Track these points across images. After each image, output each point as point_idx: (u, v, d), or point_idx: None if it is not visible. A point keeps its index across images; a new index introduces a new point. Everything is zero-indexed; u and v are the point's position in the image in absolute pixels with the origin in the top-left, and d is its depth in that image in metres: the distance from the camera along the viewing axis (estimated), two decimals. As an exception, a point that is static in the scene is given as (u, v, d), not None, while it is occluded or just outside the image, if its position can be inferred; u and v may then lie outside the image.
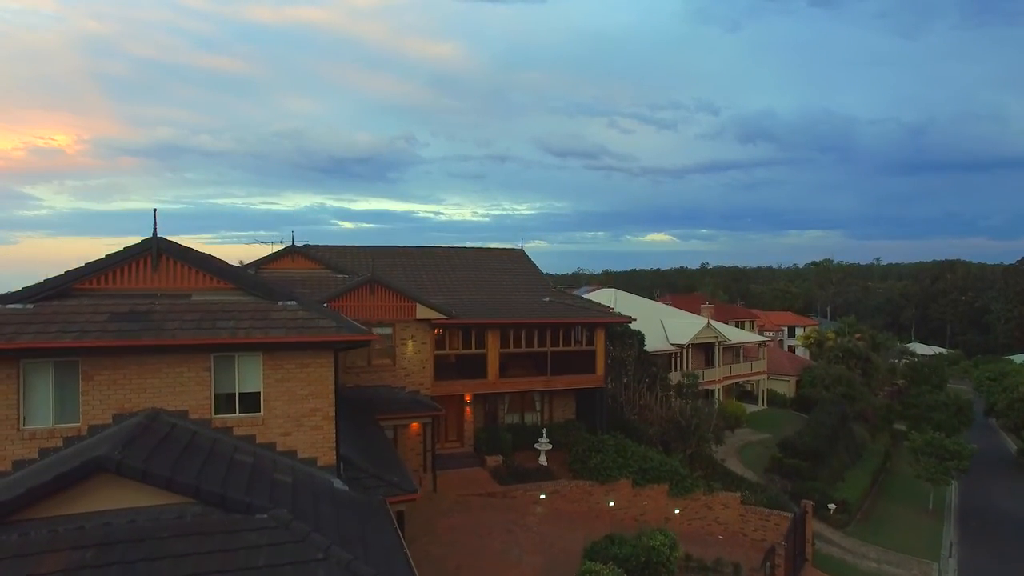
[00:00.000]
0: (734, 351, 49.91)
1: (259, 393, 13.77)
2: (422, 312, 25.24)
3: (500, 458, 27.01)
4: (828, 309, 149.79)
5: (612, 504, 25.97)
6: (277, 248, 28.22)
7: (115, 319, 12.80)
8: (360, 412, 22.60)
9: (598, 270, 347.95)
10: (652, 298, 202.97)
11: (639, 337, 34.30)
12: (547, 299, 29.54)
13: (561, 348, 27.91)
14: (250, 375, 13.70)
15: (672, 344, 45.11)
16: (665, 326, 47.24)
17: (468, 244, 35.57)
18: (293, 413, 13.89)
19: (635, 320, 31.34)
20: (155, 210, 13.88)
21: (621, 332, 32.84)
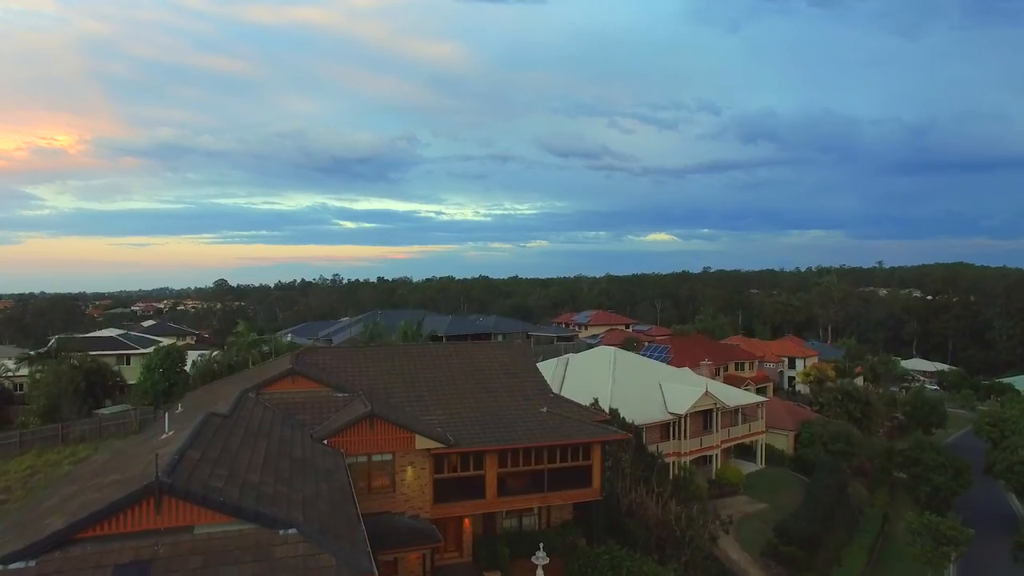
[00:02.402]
0: (733, 412, 50.19)
1: (260, 625, 14.11)
2: (421, 442, 25.62)
3: (498, 574, 27.40)
4: (829, 328, 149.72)
5: (608, 624, 26.34)
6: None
7: (118, 574, 13.14)
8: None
9: (599, 273, 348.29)
10: (654, 308, 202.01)
11: (637, 432, 34.59)
12: (544, 409, 29.84)
13: (558, 464, 28.23)
14: (251, 611, 14.03)
15: (671, 413, 45.41)
16: (664, 392, 47.52)
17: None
18: (294, 644, 14.22)
19: (630, 432, 31.48)
20: (156, 455, 14.19)
21: (618, 428, 33.08)
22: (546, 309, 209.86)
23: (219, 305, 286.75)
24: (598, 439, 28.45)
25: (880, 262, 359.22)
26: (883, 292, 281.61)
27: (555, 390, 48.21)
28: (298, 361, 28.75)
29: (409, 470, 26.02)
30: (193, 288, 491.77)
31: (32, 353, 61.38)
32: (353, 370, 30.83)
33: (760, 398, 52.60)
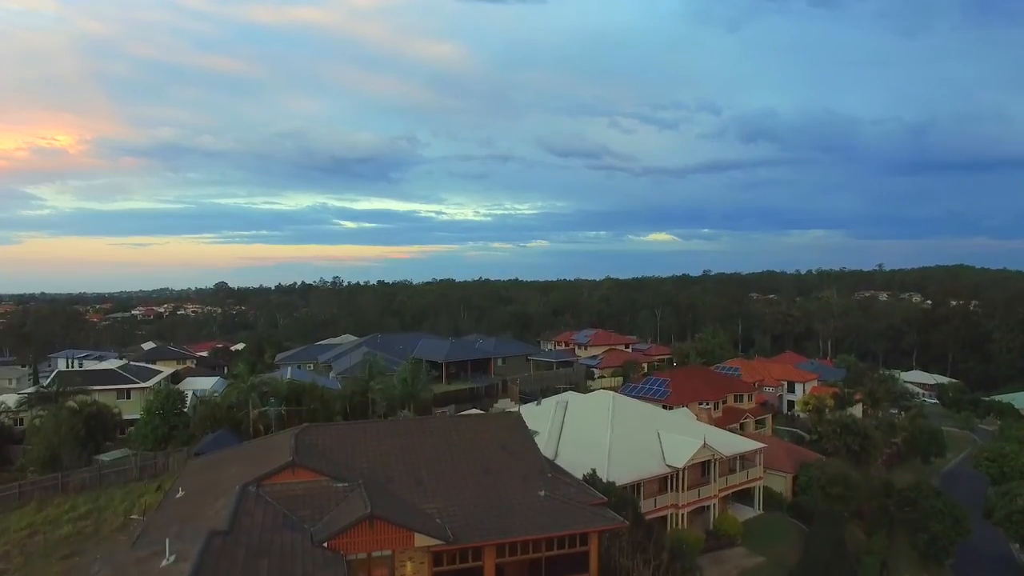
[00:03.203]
0: (731, 459, 50.37)
1: None
2: (420, 540, 25.74)
3: (497, 661, 27.55)
4: (829, 343, 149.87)
5: None
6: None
7: None
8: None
9: (600, 274, 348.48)
10: (654, 317, 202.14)
11: (633, 504, 34.76)
12: (542, 493, 29.94)
13: (555, 552, 28.35)
14: None
15: (669, 466, 45.59)
16: (662, 443, 47.68)
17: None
18: None
19: (626, 523, 31.36)
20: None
21: (616, 503, 33.23)
22: (546, 317, 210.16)
23: (220, 310, 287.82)
24: (595, 529, 28.56)
25: (880, 265, 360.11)
26: (883, 296, 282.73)
27: (555, 437, 48.76)
28: (298, 451, 28.79)
29: (408, 565, 26.14)
30: (193, 289, 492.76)
31: (32, 393, 61.45)
32: (353, 451, 30.96)
33: (758, 444, 52.70)
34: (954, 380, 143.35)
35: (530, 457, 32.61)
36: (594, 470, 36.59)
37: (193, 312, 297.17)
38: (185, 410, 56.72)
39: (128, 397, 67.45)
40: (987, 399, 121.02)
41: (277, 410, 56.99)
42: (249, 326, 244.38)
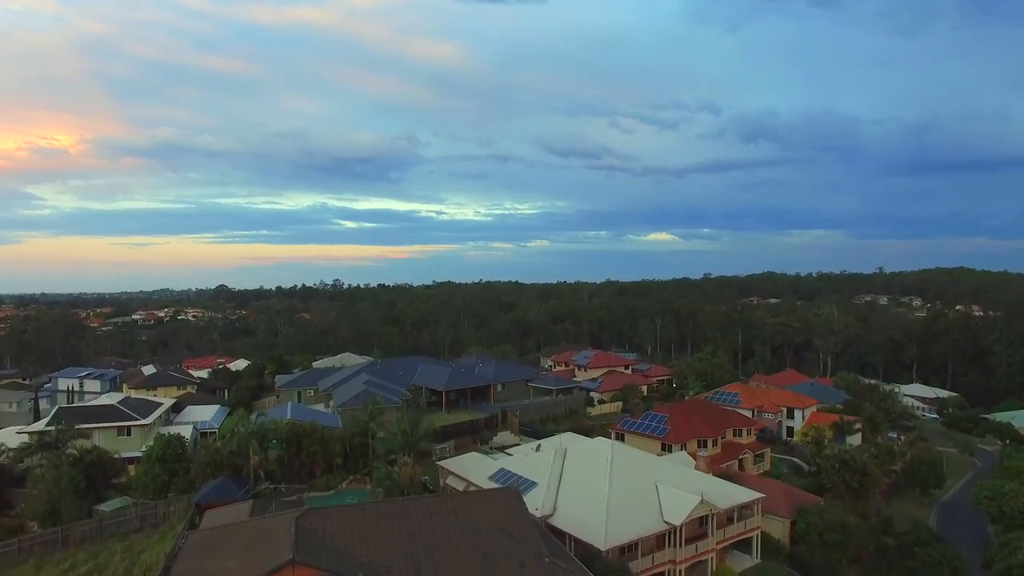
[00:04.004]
0: (729, 511, 50.49)
1: None
2: (418, 647, 25.87)
3: None
4: (829, 360, 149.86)
5: None
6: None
7: None
8: None
9: (600, 275, 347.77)
10: (654, 325, 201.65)
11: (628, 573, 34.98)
12: (541, 580, 30.08)
13: (554, 646, 28.55)
14: None
15: (666, 523, 45.68)
16: (660, 497, 47.76)
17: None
18: None
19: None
20: None
21: (615, 569, 33.38)
22: (546, 325, 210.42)
23: (220, 316, 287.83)
24: (593, 624, 28.72)
25: (881, 268, 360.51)
26: (884, 300, 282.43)
27: (553, 490, 48.95)
28: (298, 544, 28.86)
29: (406, 667, 26.31)
30: (194, 290, 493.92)
31: (33, 435, 61.56)
32: (353, 537, 31.11)
33: (756, 494, 52.71)
34: (954, 394, 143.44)
35: (528, 540, 32.72)
36: (591, 544, 36.72)
37: (194, 317, 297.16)
38: (185, 450, 56.87)
39: (129, 434, 67.61)
40: (986, 416, 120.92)
41: (278, 453, 57.30)
42: (250, 332, 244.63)
